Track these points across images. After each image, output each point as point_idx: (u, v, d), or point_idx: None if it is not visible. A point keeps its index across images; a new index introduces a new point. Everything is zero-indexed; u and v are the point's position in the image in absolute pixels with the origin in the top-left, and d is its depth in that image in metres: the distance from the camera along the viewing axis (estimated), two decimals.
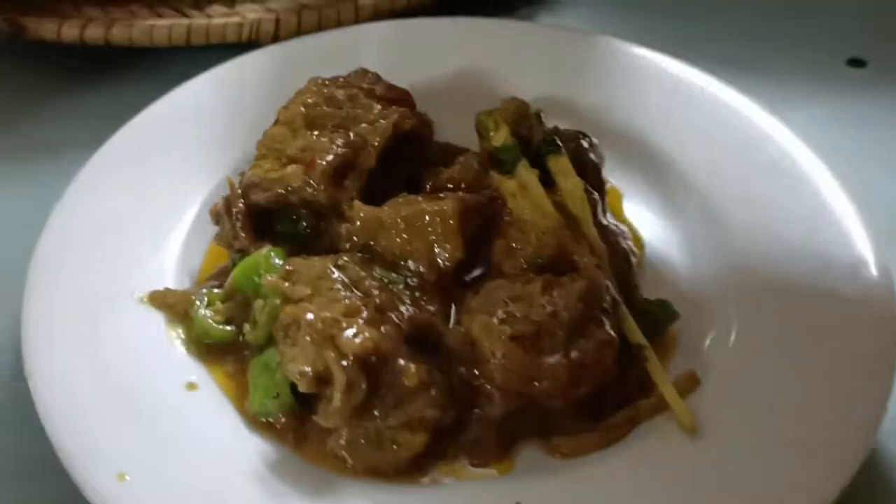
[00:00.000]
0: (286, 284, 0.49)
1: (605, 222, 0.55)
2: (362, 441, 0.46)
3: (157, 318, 0.53)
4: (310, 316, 0.46)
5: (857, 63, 0.78)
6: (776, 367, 0.49)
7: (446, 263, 0.51)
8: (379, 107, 0.57)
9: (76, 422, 0.46)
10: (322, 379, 0.45)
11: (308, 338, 0.45)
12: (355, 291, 0.49)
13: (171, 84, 0.66)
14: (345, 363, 0.45)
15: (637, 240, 0.59)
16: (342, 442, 0.46)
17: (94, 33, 0.71)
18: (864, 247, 0.53)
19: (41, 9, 0.74)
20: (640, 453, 0.46)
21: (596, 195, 0.55)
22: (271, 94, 0.61)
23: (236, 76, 0.65)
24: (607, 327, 0.48)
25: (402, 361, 0.46)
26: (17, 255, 0.57)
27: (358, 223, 0.52)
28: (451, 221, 0.51)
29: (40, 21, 0.72)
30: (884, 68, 0.77)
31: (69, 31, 0.71)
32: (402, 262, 0.51)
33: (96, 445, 0.45)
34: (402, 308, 0.48)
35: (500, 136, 0.56)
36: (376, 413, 0.45)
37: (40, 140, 0.72)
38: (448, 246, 0.51)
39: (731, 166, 0.60)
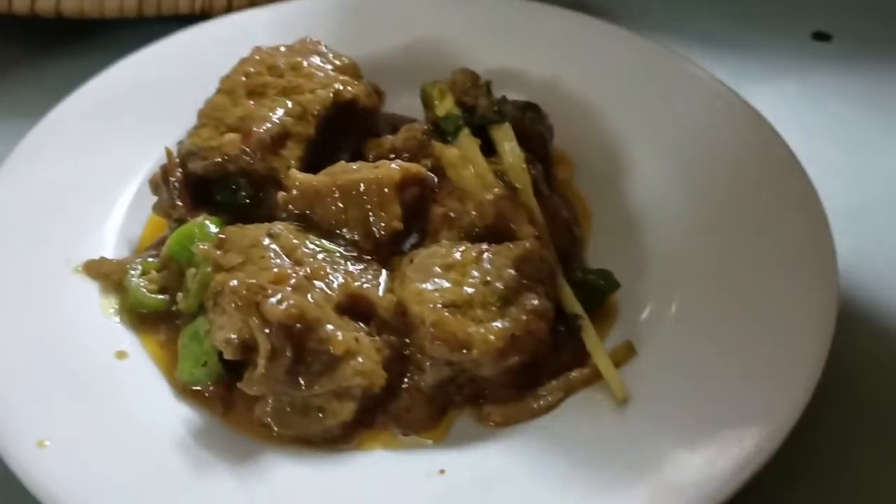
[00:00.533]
0: (218, 253, 0.49)
1: (546, 192, 0.54)
2: (288, 409, 0.45)
3: (91, 288, 0.52)
4: (234, 283, 0.45)
5: (822, 37, 0.77)
6: (713, 336, 0.48)
7: (382, 233, 0.50)
8: (321, 75, 0.56)
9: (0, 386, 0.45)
10: (247, 346, 0.45)
11: (233, 304, 0.45)
12: (286, 259, 0.48)
13: (122, 56, 0.65)
14: (268, 330, 0.44)
15: (585, 211, 0.58)
16: (268, 409, 0.45)
17: (45, 5, 0.70)
18: (812, 217, 0.52)
19: None
20: (571, 422, 0.46)
21: (539, 166, 0.54)
22: (220, 65, 0.60)
23: (185, 47, 0.64)
24: (542, 297, 0.48)
25: (329, 328, 0.45)
26: None
27: (294, 192, 0.51)
28: (387, 190, 0.50)
29: None
30: (849, 42, 0.76)
31: (20, 3, 0.71)
32: (339, 232, 0.51)
33: (17, 411, 0.44)
34: (334, 276, 0.48)
35: (444, 106, 0.56)
36: (302, 381, 0.45)
37: None
38: (384, 215, 0.50)
39: (683, 139, 0.59)
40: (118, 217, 0.56)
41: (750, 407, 0.44)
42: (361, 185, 0.50)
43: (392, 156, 0.55)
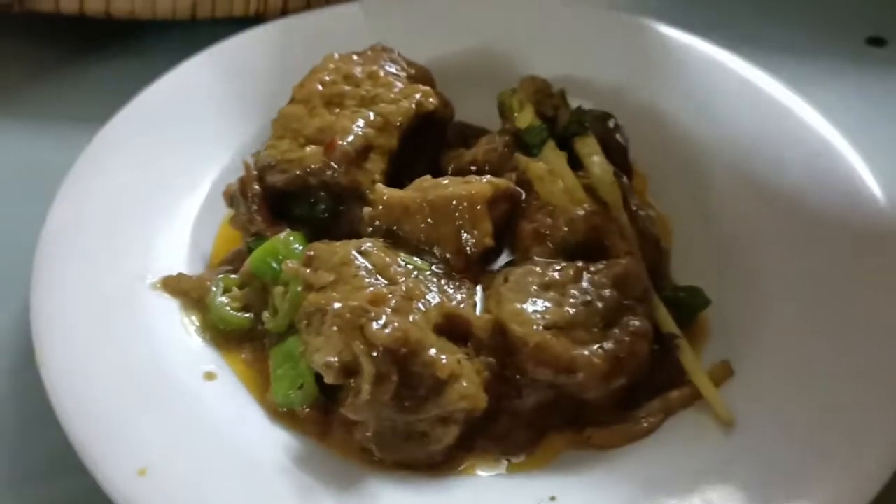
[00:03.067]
0: (308, 271, 0.47)
1: (634, 207, 0.53)
2: (391, 434, 0.44)
3: (170, 305, 0.50)
4: (337, 305, 0.44)
5: (876, 42, 0.77)
6: (812, 354, 0.47)
7: (474, 250, 0.49)
8: (400, 85, 0.55)
9: (92, 415, 0.44)
10: (349, 370, 0.44)
11: (335, 327, 0.43)
12: (380, 279, 0.47)
13: (174, 59, 0.63)
14: (375, 354, 0.43)
15: (665, 225, 0.57)
16: (369, 434, 0.44)
17: (95, 5, 0.68)
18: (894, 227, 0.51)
19: None
20: (675, 445, 0.45)
21: (625, 179, 0.53)
22: (281, 70, 0.60)
23: (245, 51, 0.63)
24: (642, 317, 0.47)
25: (433, 352, 0.44)
26: (22, 237, 0.54)
27: (381, 207, 0.50)
28: (479, 207, 0.49)
29: None
30: None
31: (68, 3, 0.69)
32: (428, 248, 0.49)
33: (116, 439, 0.43)
34: (430, 296, 0.47)
35: (526, 117, 0.55)
36: (407, 405, 0.44)
37: (42, 116, 0.69)
38: (476, 232, 0.49)
39: (758, 145, 0.58)
40: (187, 229, 0.55)
41: (858, 431, 0.43)
42: (453, 201, 0.49)
43: (474, 168, 0.54)
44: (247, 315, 0.50)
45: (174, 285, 0.51)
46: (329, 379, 0.44)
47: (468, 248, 0.49)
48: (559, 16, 0.66)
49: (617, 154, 0.55)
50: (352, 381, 0.44)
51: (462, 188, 0.50)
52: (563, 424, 0.47)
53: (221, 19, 0.69)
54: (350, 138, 0.52)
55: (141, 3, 0.68)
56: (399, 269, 0.48)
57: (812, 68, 0.73)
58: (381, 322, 0.43)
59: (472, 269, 0.49)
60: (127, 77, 0.64)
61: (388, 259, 0.48)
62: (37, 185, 0.58)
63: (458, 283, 0.49)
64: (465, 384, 0.44)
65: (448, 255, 0.49)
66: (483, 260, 0.50)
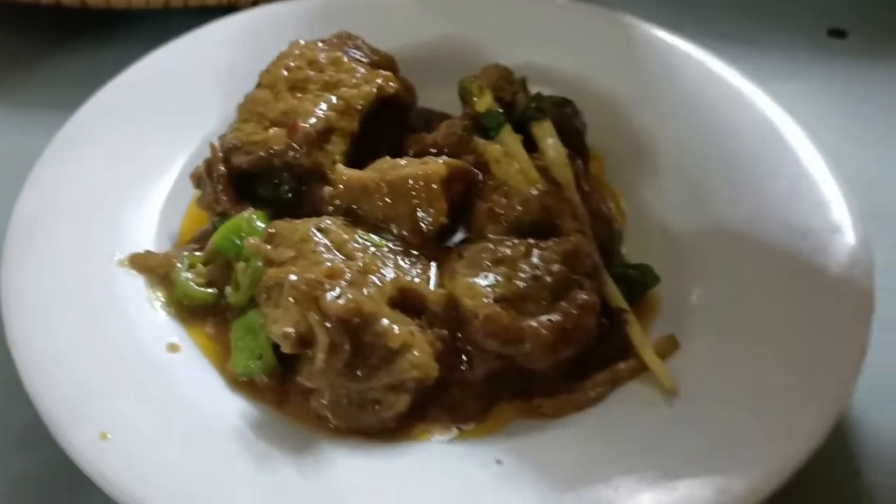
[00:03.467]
0: (269, 247, 0.49)
1: (587, 188, 0.55)
2: (345, 402, 0.46)
3: (136, 281, 0.52)
4: (293, 277, 0.46)
5: (837, 34, 0.79)
6: (753, 330, 0.49)
7: (429, 228, 0.51)
8: (363, 70, 0.57)
9: (58, 385, 0.46)
10: (305, 340, 0.46)
11: (291, 299, 0.45)
12: (338, 254, 0.49)
13: (148, 48, 0.65)
14: (328, 325, 0.45)
15: (619, 206, 0.59)
16: (324, 402, 0.46)
17: None
18: (842, 214, 0.53)
19: None
20: (620, 414, 0.47)
21: (579, 161, 0.55)
22: (251, 58, 0.61)
23: (216, 39, 0.65)
24: (589, 291, 0.49)
25: (385, 322, 0.46)
26: None
27: (341, 186, 0.52)
28: (434, 186, 0.51)
29: None
30: (863, 38, 0.78)
31: None
32: (385, 226, 0.51)
33: (78, 406, 0.45)
34: (385, 271, 0.49)
35: (484, 102, 0.56)
36: (360, 374, 0.46)
37: (16, 103, 0.71)
38: (432, 210, 0.51)
39: (713, 132, 0.60)
40: (157, 210, 0.57)
41: (797, 399, 0.45)
42: (409, 180, 0.51)
43: (433, 151, 0.55)
44: (210, 290, 0.52)
45: (141, 262, 0.53)
46: (286, 348, 0.46)
47: (424, 226, 0.51)
48: (524, 7, 0.68)
49: (573, 138, 0.57)
50: (308, 350, 0.46)
51: (418, 168, 0.51)
52: (512, 394, 0.49)
53: (195, 8, 0.71)
54: (312, 121, 0.54)
55: None
56: (357, 246, 0.49)
57: (776, 61, 0.75)
58: (336, 294, 0.45)
59: (427, 246, 0.51)
60: (101, 65, 0.65)
61: (346, 236, 0.50)
62: (9, 169, 0.61)
63: (414, 260, 0.50)
64: (416, 354, 0.46)
65: (405, 233, 0.51)
66: (439, 237, 0.52)
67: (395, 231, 0.51)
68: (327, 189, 0.52)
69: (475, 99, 0.57)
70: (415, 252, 0.51)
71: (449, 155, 0.55)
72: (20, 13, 0.74)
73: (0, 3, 0.72)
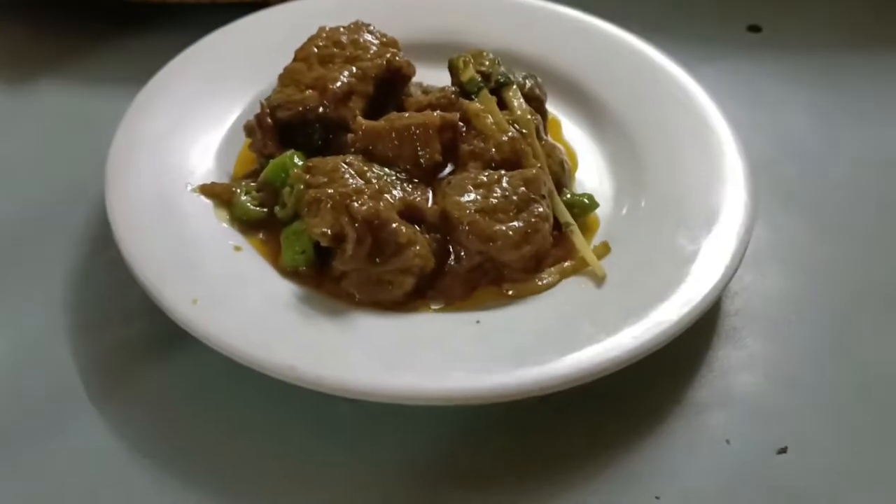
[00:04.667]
0: (308, 176, 0.66)
1: (545, 138, 0.73)
2: (366, 281, 0.63)
3: (206, 203, 0.69)
4: (330, 190, 0.63)
5: (754, 29, 0.97)
6: (664, 239, 0.68)
7: (427, 163, 0.69)
8: (375, 48, 0.74)
9: (157, 267, 0.62)
10: (338, 237, 0.63)
11: (329, 206, 0.63)
12: (360, 180, 0.66)
13: (196, 33, 0.81)
14: (356, 225, 0.62)
15: (571, 156, 0.77)
16: (352, 281, 0.63)
17: None
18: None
19: None
20: (567, 293, 0.65)
21: (539, 117, 0.73)
22: (288, 40, 0.77)
23: (259, 26, 0.82)
24: (544, 207, 0.66)
25: (396, 224, 0.63)
26: (86, 166, 0.73)
27: (360, 133, 0.69)
28: (431, 131, 0.69)
29: None
30: (776, 33, 0.96)
31: None
32: (394, 162, 0.69)
33: (174, 281, 0.61)
34: (395, 191, 0.66)
35: (468, 73, 0.74)
36: (378, 261, 0.63)
37: (87, 78, 0.87)
38: (428, 150, 0.68)
39: (646, 106, 0.78)
40: (215, 153, 0.73)
41: (692, 277, 0.64)
42: (412, 127, 0.68)
43: (428, 109, 0.73)
44: (263, 209, 0.69)
45: (209, 190, 0.69)
46: (325, 243, 0.63)
47: (423, 162, 0.68)
48: (499, 6, 0.86)
49: (535, 101, 0.75)
50: (341, 245, 0.63)
51: (419, 118, 0.69)
52: (489, 282, 0.66)
53: (236, 2, 0.88)
54: (338, 84, 0.71)
55: None
56: (373, 174, 0.67)
57: (698, 52, 0.92)
58: (360, 202, 0.63)
59: (426, 177, 0.69)
60: (155, 48, 0.81)
61: (365, 167, 0.67)
62: (90, 127, 0.78)
63: (415, 186, 0.68)
64: (418, 248, 0.63)
65: (409, 167, 0.68)
66: (434, 171, 0.69)
67: (401, 165, 0.69)
68: (349, 135, 0.70)
69: (460, 70, 0.74)
70: (416, 180, 0.68)
71: (441, 110, 0.72)
72: (86, 4, 0.90)
73: None
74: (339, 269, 0.63)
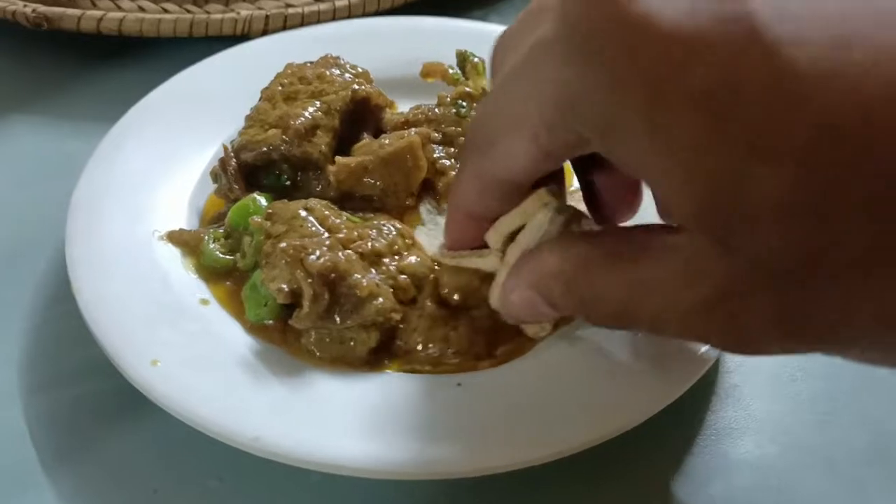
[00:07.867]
0: (268, 223, 0.64)
1: None
2: (327, 339, 0.61)
3: (174, 251, 0.68)
4: (283, 244, 0.61)
5: None
6: None
7: (417, 184, 0.69)
8: (341, 80, 0.72)
9: (116, 324, 0.60)
10: (295, 293, 0.60)
11: (283, 261, 0.60)
12: (321, 227, 0.64)
13: (175, 67, 0.80)
14: (310, 280, 0.60)
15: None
16: (312, 339, 0.61)
17: (109, 25, 0.86)
18: None
19: (62, 3, 0.88)
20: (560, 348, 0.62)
21: None
22: (260, 77, 0.75)
23: (230, 63, 0.80)
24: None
25: (356, 276, 0.61)
26: (52, 208, 0.71)
27: (343, 175, 0.68)
28: (417, 151, 0.68)
29: (62, 14, 0.86)
30: None
31: (87, 24, 0.86)
32: (378, 196, 0.68)
33: (134, 341, 0.59)
34: (361, 238, 0.63)
35: (479, 85, 0.71)
36: (337, 318, 0.60)
37: (62, 114, 0.86)
38: (417, 171, 0.69)
39: None
40: (186, 198, 0.72)
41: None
42: (397, 153, 0.68)
43: (406, 127, 0.71)
44: (230, 257, 0.67)
45: (177, 237, 0.68)
46: (280, 300, 0.60)
47: (413, 184, 0.69)
48: (472, 34, 0.81)
49: None
50: (299, 301, 0.61)
51: (402, 143, 0.68)
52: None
53: (213, 37, 0.87)
54: (300, 120, 0.69)
55: (147, 24, 0.85)
56: (337, 221, 0.65)
57: None
58: (316, 256, 0.60)
59: (403, 205, 0.70)
60: (134, 83, 0.80)
61: (327, 212, 0.65)
62: (63, 168, 0.76)
63: (384, 225, 0.65)
64: (381, 301, 0.61)
65: (398, 195, 0.69)
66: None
67: (386, 198, 0.68)
68: (332, 176, 0.68)
69: (469, 73, 0.72)
70: (385, 218, 0.67)
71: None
72: (64, 38, 0.88)
73: (46, 30, 0.86)
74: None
